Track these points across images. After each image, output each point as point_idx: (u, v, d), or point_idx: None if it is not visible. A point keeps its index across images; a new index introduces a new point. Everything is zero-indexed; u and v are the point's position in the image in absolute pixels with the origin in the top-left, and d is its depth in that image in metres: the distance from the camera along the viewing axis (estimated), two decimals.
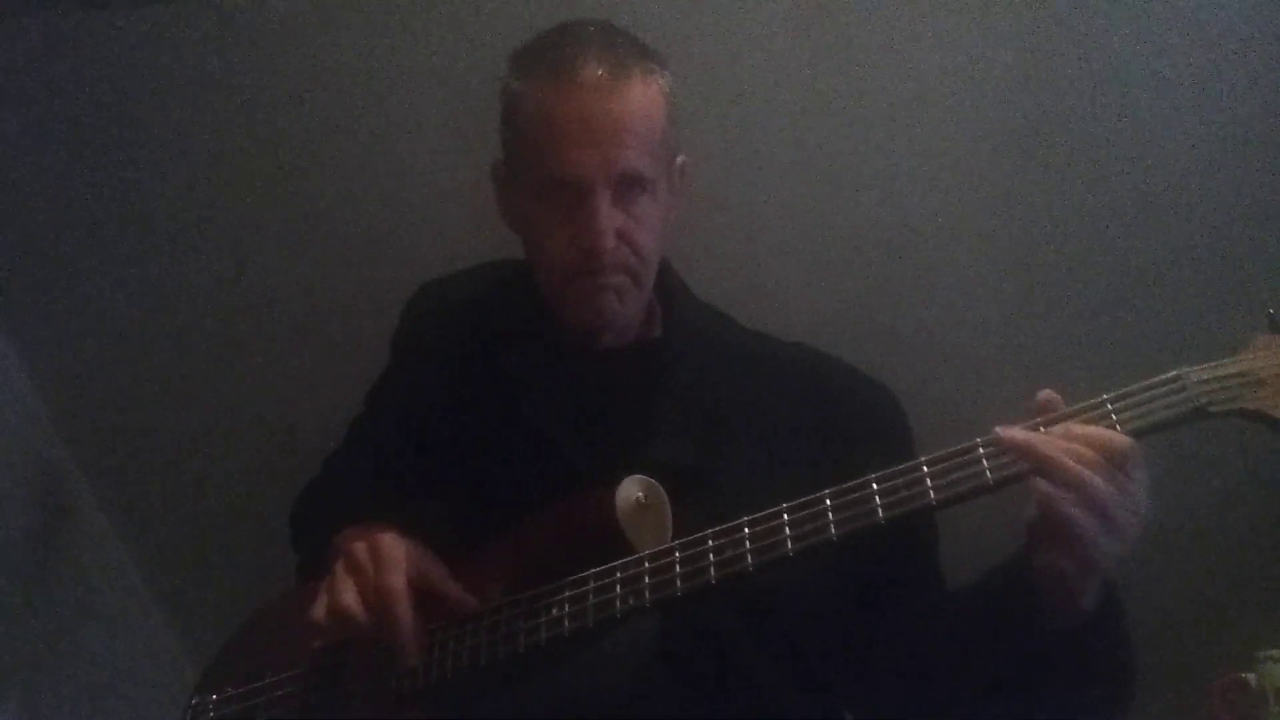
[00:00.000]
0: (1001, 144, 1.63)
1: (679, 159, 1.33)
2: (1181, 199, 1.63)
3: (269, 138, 1.69)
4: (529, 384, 1.32)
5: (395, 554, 1.15)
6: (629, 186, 1.23)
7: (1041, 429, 0.99)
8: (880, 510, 1.01)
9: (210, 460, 1.88)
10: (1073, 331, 1.69)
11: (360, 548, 1.16)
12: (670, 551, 1.09)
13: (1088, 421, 0.98)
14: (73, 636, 1.80)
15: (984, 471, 0.99)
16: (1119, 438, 0.96)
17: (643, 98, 1.22)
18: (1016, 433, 0.98)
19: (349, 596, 1.14)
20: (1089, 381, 1.02)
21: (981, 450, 1.00)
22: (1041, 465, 0.95)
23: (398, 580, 1.13)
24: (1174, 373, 0.98)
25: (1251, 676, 1.51)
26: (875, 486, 1.02)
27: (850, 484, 1.04)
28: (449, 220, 1.71)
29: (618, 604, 1.09)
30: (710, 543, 1.07)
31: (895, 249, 1.69)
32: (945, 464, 1.01)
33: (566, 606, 1.11)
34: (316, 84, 1.66)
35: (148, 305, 1.78)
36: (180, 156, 1.70)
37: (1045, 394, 1.01)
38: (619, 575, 1.10)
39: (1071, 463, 0.94)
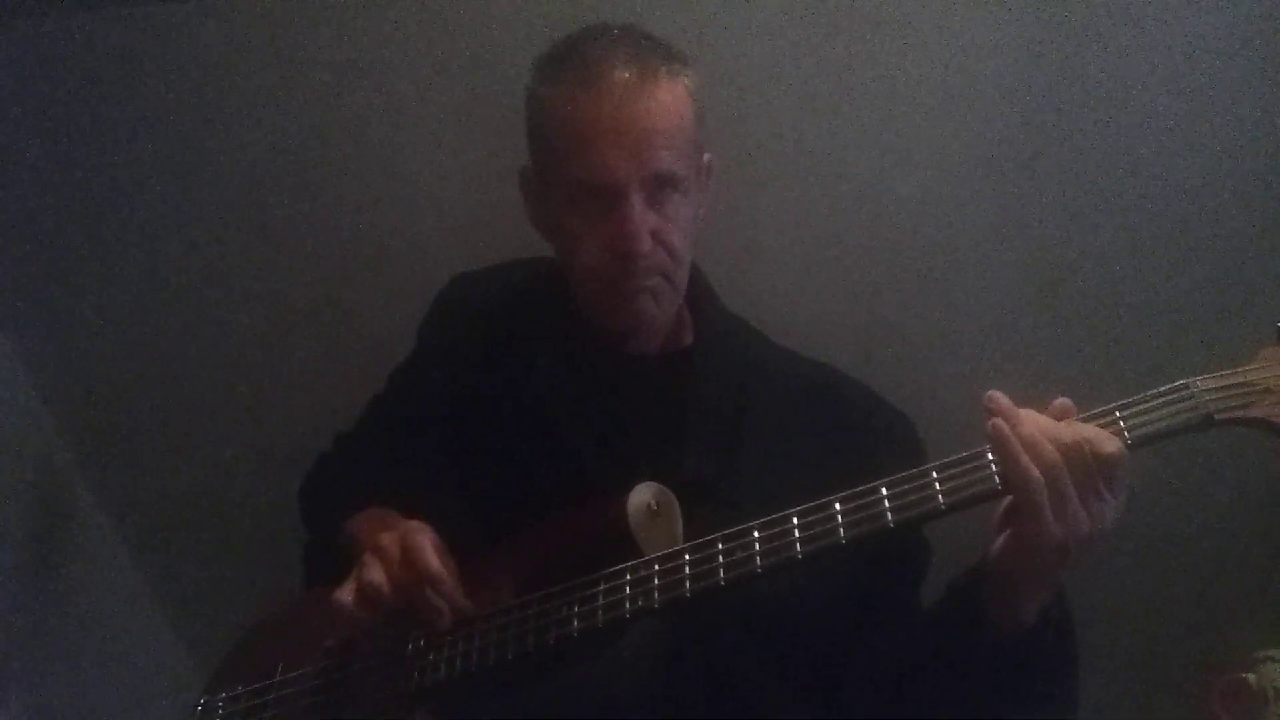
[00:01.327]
0: (1013, 151, 1.63)
1: (706, 157, 1.32)
2: (1191, 212, 1.63)
3: (267, 138, 1.68)
4: (554, 386, 1.32)
5: (423, 535, 1.16)
6: (660, 187, 1.22)
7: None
8: (890, 514, 1.02)
9: (210, 460, 1.87)
10: (1082, 343, 1.69)
11: (388, 536, 1.17)
12: (680, 554, 1.10)
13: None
14: (73, 636, 1.79)
15: (992, 477, 1.00)
16: (1113, 442, 0.98)
17: (670, 98, 1.22)
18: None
19: (376, 574, 1.14)
20: (1097, 391, 1.03)
21: (990, 456, 1.00)
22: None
23: (423, 540, 1.15)
24: (1181, 382, 1.00)
25: (1251, 676, 1.52)
26: (885, 491, 1.03)
27: (860, 489, 1.04)
28: (450, 223, 1.71)
29: (627, 605, 1.09)
30: (720, 545, 1.08)
31: (903, 255, 1.69)
32: (954, 469, 1.01)
33: (576, 607, 1.12)
34: (317, 84, 1.65)
35: (148, 305, 1.77)
36: (179, 157, 1.69)
37: (1060, 402, 1.02)
38: (629, 577, 1.11)
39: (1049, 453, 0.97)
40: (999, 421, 0.99)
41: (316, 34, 1.63)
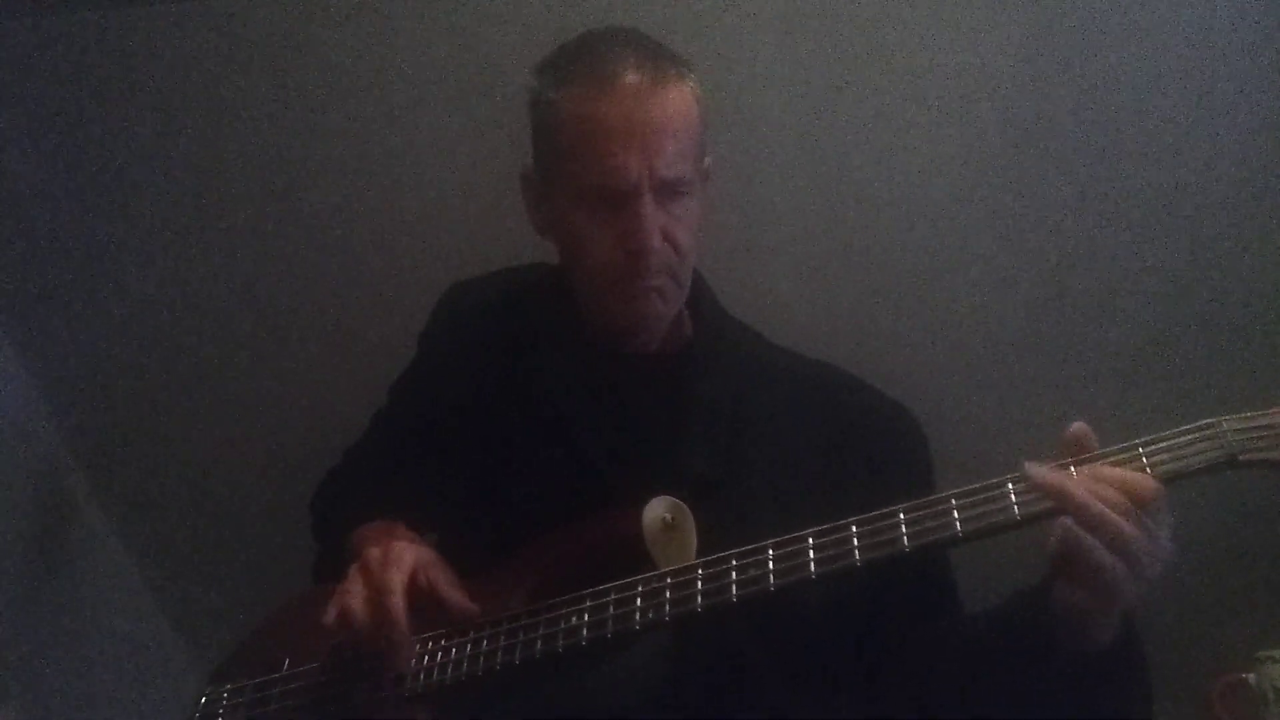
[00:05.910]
0: (1027, 158, 1.61)
1: (707, 160, 1.33)
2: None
3: (269, 138, 1.68)
4: (556, 388, 1.33)
5: (403, 557, 1.17)
6: (670, 189, 1.23)
7: (1073, 469, 1.00)
8: (906, 539, 1.02)
9: (210, 460, 1.87)
10: (1089, 351, 1.68)
11: (375, 553, 1.18)
12: (693, 569, 1.10)
13: (1119, 464, 0.99)
14: (73, 636, 1.80)
15: (1011, 507, 0.99)
16: (1147, 481, 0.98)
17: (680, 102, 1.23)
18: (1046, 473, 0.98)
19: (355, 599, 1.15)
20: (1109, 407, 1.03)
21: (1010, 486, 1.00)
22: (1071, 507, 0.96)
23: (395, 577, 1.15)
24: (1209, 420, 0.99)
25: (1251, 676, 1.53)
26: (902, 516, 1.03)
27: (877, 513, 1.04)
28: (451, 225, 1.71)
29: (637, 616, 1.10)
30: (734, 562, 1.08)
31: (908, 261, 1.68)
32: (973, 497, 1.01)
33: (586, 616, 1.12)
34: (317, 84, 1.65)
35: (148, 305, 1.77)
36: (179, 157, 1.68)
37: (1077, 426, 1.02)
38: (640, 589, 1.11)
39: (1100, 507, 0.95)
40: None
41: (318, 36, 1.62)
